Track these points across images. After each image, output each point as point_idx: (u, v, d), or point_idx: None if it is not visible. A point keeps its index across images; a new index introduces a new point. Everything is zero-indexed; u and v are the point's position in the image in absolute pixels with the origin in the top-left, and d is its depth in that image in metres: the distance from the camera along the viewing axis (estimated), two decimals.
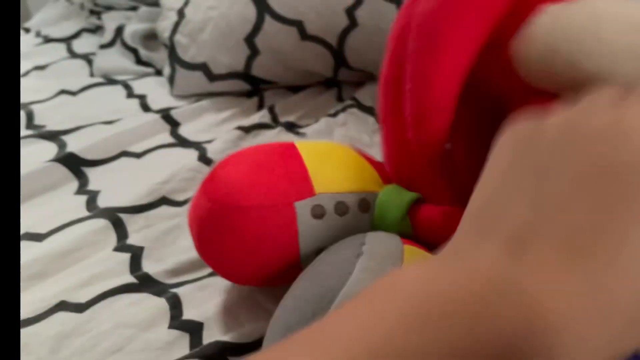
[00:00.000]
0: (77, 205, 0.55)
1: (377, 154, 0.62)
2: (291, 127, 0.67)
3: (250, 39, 0.71)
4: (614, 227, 0.17)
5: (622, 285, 0.17)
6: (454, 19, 0.35)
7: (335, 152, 0.41)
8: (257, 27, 0.71)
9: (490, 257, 0.18)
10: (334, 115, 0.69)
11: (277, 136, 0.66)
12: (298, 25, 0.70)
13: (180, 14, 0.77)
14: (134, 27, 0.88)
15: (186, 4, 0.77)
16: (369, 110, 0.70)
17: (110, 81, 0.78)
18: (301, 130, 0.66)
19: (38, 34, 0.94)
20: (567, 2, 0.34)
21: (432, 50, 0.35)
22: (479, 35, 0.35)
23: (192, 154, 0.62)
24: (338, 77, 0.75)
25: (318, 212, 0.37)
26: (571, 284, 0.16)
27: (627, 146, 0.19)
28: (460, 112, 0.37)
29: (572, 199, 0.18)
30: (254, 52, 0.72)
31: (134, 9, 0.97)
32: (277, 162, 0.38)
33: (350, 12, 0.71)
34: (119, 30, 0.87)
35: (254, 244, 0.37)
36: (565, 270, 0.17)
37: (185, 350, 0.39)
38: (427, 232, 0.37)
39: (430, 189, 0.38)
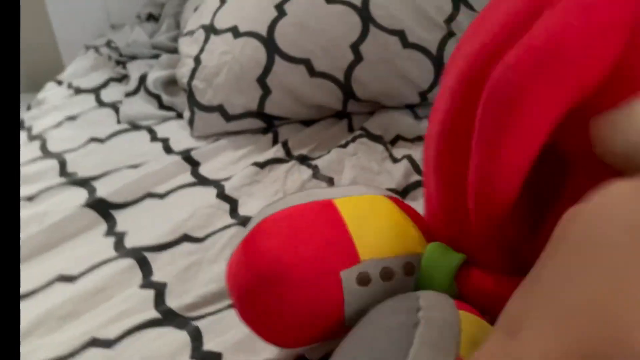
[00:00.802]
0: (106, 247, 0.59)
1: (386, 181, 0.65)
2: (304, 160, 0.70)
3: (262, 80, 0.76)
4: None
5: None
6: (535, 93, 0.30)
7: (377, 209, 0.38)
8: (267, 68, 0.75)
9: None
10: (345, 145, 0.71)
11: (290, 170, 0.69)
12: (306, 63, 0.74)
13: (197, 60, 0.82)
14: (155, 74, 0.93)
15: (202, 50, 0.82)
16: (377, 139, 0.73)
17: (135, 127, 0.84)
18: (313, 162, 0.69)
19: (70, 86, 1.00)
20: None
21: (506, 125, 0.30)
22: (558, 113, 0.30)
23: (211, 192, 0.66)
24: (348, 109, 0.78)
25: (364, 280, 0.35)
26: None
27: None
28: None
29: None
30: (266, 91, 0.76)
31: (156, 57, 1.04)
32: (317, 227, 0.36)
33: (355, 47, 0.74)
34: (142, 78, 0.93)
35: (299, 314, 0.36)
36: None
37: None
38: (476, 298, 0.35)
39: (481, 254, 0.36)
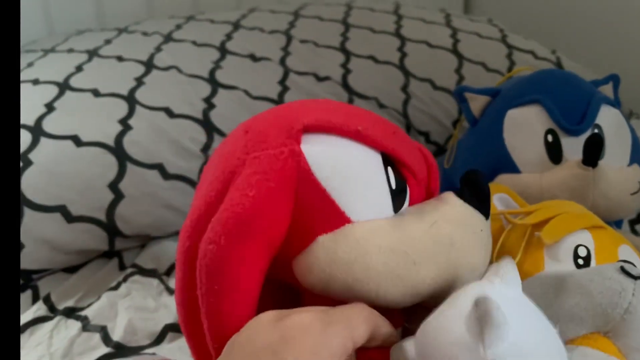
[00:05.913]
0: None
1: (164, 316, 0.64)
2: (71, 313, 0.65)
3: None
4: None
5: None
6: (236, 258, 0.35)
7: None
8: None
9: None
10: (116, 287, 0.69)
11: (56, 327, 0.63)
12: (61, 210, 0.71)
13: None
14: None
15: None
16: (151, 274, 0.72)
17: None
18: (82, 313, 0.65)
19: None
20: (333, 232, 0.37)
21: (221, 290, 0.35)
22: (262, 268, 0.36)
23: None
24: (116, 247, 0.76)
25: None
26: None
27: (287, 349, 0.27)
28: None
29: None
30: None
31: None
32: None
33: (113, 186, 0.74)
34: None
35: None
36: None
37: None
38: None
39: None
